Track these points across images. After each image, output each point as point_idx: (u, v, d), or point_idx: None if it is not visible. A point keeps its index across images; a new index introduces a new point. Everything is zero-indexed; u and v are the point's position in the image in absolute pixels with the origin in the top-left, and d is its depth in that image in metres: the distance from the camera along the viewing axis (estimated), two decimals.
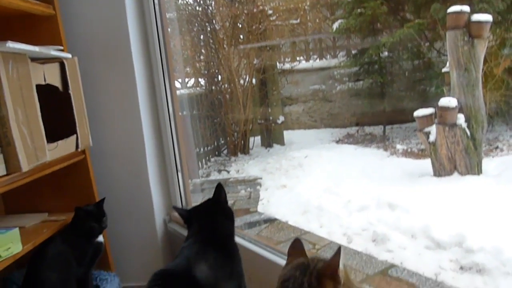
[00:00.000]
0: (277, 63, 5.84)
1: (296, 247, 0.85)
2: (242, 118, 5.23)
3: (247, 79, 5.35)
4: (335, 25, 5.35)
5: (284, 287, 0.76)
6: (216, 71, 5.36)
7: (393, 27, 5.58)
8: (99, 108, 1.98)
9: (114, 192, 2.05)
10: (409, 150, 4.83)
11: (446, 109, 3.47)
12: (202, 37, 5.51)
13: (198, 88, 5.42)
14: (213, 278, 0.98)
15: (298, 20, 5.26)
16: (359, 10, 5.07)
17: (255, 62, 5.25)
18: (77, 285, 1.77)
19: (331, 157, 4.54)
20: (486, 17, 3.45)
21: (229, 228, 1.13)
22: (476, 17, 3.47)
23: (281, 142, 5.53)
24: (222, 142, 5.66)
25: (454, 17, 3.53)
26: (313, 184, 3.73)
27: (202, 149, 5.15)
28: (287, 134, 5.81)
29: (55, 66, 1.69)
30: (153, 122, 2.05)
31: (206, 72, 5.44)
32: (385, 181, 3.72)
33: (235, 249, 1.12)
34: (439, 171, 3.66)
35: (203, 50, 5.60)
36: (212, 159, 5.39)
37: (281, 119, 5.50)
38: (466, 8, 3.49)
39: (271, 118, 5.50)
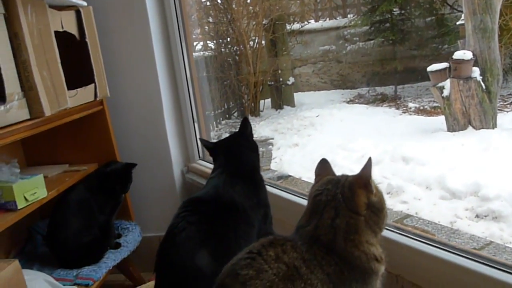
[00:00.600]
0: (286, 25, 5.74)
1: (323, 166, 0.87)
2: (252, 80, 5.19)
3: (256, 40, 5.27)
4: None
5: (317, 201, 0.77)
6: (225, 32, 5.29)
7: None
8: (115, 59, 1.97)
9: (132, 143, 2.08)
10: (421, 108, 4.78)
11: (461, 61, 3.41)
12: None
13: (206, 52, 5.37)
14: (241, 205, 1.00)
15: None
16: None
17: (264, 22, 5.15)
18: (100, 232, 1.83)
19: (343, 116, 4.52)
20: None
21: (254, 160, 1.14)
22: None
23: (291, 103, 5.50)
24: (232, 105, 5.65)
25: None
26: (325, 142, 3.73)
27: (212, 112, 5.15)
28: (297, 96, 5.77)
29: (71, 14, 1.68)
30: (169, 72, 2.05)
31: (215, 34, 5.37)
32: (398, 137, 3.71)
33: (261, 180, 1.14)
34: (453, 126, 3.64)
35: (211, 12, 5.50)
36: (223, 122, 5.39)
37: (291, 80, 5.46)
38: None
39: (281, 79, 5.46)
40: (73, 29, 1.68)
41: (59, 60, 1.53)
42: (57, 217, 1.76)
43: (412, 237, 1.13)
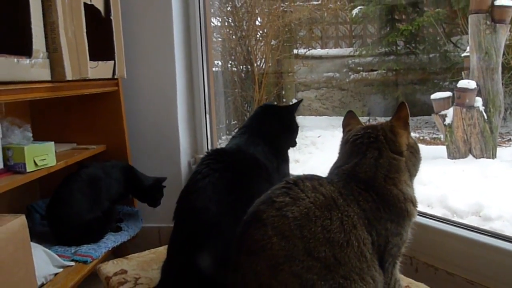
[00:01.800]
0: (294, 49, 5.85)
1: (352, 117, 0.88)
2: (256, 97, 5.24)
3: (263, 60, 5.36)
4: (355, 11, 5.35)
5: (358, 144, 0.77)
6: (233, 49, 5.37)
7: (412, 18, 5.59)
8: (134, 42, 1.99)
9: (142, 129, 2.07)
10: (421, 138, 4.84)
11: (464, 90, 3.48)
12: (219, 15, 5.52)
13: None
14: (263, 163, 0.99)
15: (320, 1, 5.27)
16: None
17: (272, 43, 5.25)
18: (103, 213, 1.79)
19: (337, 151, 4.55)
20: (510, 2, 3.47)
21: (281, 133, 1.12)
22: (500, 1, 3.48)
23: None
24: (234, 122, 5.67)
25: (478, 1, 3.54)
26: (326, 159, 3.71)
27: None
28: (299, 119, 5.79)
29: None
30: (186, 62, 2.07)
31: (222, 50, 5.45)
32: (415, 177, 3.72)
33: (286, 153, 1.14)
34: (454, 153, 3.67)
35: (221, 30, 5.60)
36: (223, 137, 5.39)
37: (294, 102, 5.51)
38: None
39: (284, 100, 5.52)
40: (100, 5, 1.70)
41: (84, 29, 1.55)
42: (64, 191, 1.72)
43: (426, 215, 1.12)
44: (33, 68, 1.30)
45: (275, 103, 1.28)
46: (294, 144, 1.18)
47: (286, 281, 0.63)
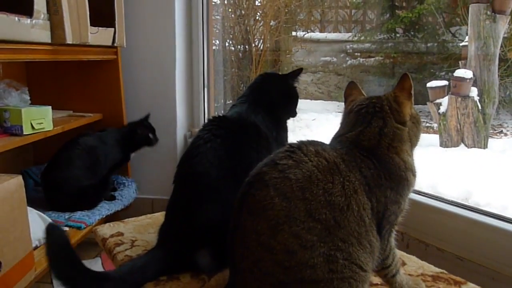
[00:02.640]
0: (292, 32, 5.81)
1: (354, 87, 0.89)
2: (252, 77, 5.22)
3: (261, 40, 5.32)
4: None
5: (363, 113, 0.78)
6: (232, 29, 5.31)
7: (412, 6, 5.56)
8: (135, 10, 1.97)
9: (139, 100, 2.06)
10: None
11: (461, 79, 3.50)
12: None
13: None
14: (263, 131, 1.00)
15: None
16: None
17: (271, 23, 5.21)
18: (98, 182, 1.80)
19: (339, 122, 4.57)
20: None
21: (282, 102, 1.12)
22: None
23: None
24: (229, 102, 5.65)
25: None
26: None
27: None
28: None
29: None
30: (186, 35, 2.05)
31: (221, 28, 5.39)
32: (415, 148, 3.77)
33: (284, 122, 1.14)
34: (446, 142, 3.71)
35: (220, 8, 5.54)
36: None
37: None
38: None
39: None
40: None
41: None
42: (62, 156, 1.72)
43: (419, 192, 1.14)
44: (34, 28, 1.29)
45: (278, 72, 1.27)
46: (294, 113, 1.18)
47: (285, 241, 0.64)
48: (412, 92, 0.79)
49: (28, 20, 1.26)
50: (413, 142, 0.80)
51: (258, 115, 1.04)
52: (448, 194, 2.60)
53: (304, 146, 0.73)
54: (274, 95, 1.12)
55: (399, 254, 0.95)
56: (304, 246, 0.63)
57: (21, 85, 1.59)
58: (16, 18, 1.20)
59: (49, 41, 1.39)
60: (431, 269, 0.91)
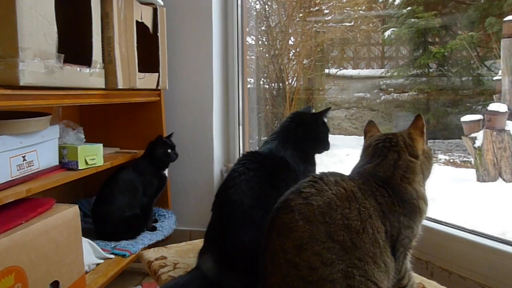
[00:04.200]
0: (325, 68, 5.96)
1: (372, 125, 0.99)
2: (286, 115, 5.35)
3: (294, 78, 5.49)
4: (387, 33, 5.44)
5: (380, 147, 0.89)
6: (266, 67, 5.53)
7: (444, 42, 5.61)
8: (177, 56, 2.16)
9: (179, 137, 2.21)
10: (451, 160, 4.82)
11: (495, 113, 3.49)
12: (254, 34, 5.71)
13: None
14: (292, 165, 1.11)
15: (352, 23, 5.40)
16: (412, 20, 5.16)
17: (304, 62, 5.39)
18: (140, 212, 1.94)
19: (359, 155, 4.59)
20: None
21: (311, 139, 1.22)
22: None
23: None
24: (264, 138, 5.79)
25: (511, 25, 3.57)
26: None
27: None
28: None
29: (150, 10, 1.89)
30: (223, 76, 2.22)
31: (255, 67, 5.62)
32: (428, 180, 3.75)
33: (313, 159, 1.24)
34: (483, 176, 3.66)
35: (255, 48, 5.79)
36: None
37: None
38: None
39: None
40: (148, 23, 1.89)
41: (135, 44, 1.72)
42: (105, 192, 1.89)
43: (442, 222, 1.20)
44: (91, 76, 1.47)
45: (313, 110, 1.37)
46: (322, 149, 1.27)
47: (308, 259, 0.73)
48: (425, 130, 0.89)
49: (87, 70, 1.45)
50: (425, 175, 0.88)
51: (287, 150, 1.15)
52: (483, 229, 2.59)
53: (325, 176, 0.83)
54: (302, 132, 1.23)
55: (420, 279, 1.01)
56: (324, 263, 0.73)
57: (77, 125, 1.79)
58: (78, 68, 1.39)
59: (103, 86, 1.57)
60: None
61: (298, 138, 1.21)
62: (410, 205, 0.82)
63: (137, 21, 1.77)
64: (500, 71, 3.78)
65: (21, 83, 1.13)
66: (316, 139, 1.25)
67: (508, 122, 3.54)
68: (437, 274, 1.19)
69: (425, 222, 1.24)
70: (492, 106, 3.54)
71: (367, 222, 0.76)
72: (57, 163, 1.58)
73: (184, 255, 1.18)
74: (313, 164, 1.25)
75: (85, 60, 1.45)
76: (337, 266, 0.72)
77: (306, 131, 1.24)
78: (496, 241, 1.10)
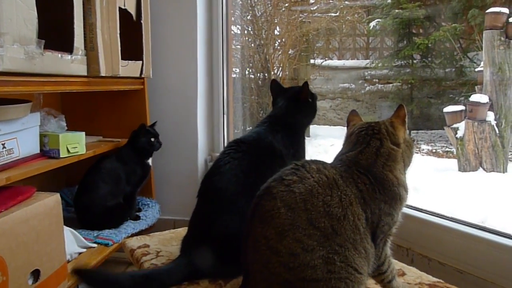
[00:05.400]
0: (310, 60, 5.97)
1: (355, 115, 1.00)
2: (271, 105, 5.35)
3: (280, 68, 5.49)
4: (372, 24, 5.46)
5: (363, 134, 0.90)
6: (252, 57, 5.51)
7: (428, 33, 5.66)
8: (161, 44, 2.14)
9: (163, 126, 2.19)
10: (434, 150, 4.90)
11: (477, 104, 3.55)
12: (239, 24, 5.67)
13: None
14: (279, 151, 1.11)
15: (338, 13, 5.40)
16: (396, 11, 5.19)
17: (290, 52, 5.39)
18: (124, 201, 1.93)
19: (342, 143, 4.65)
20: None
21: (301, 119, 1.24)
22: None
23: (307, 133, 5.64)
24: (249, 128, 5.79)
25: (493, 17, 3.62)
26: None
27: None
28: (312, 128, 5.90)
29: None
30: (207, 65, 2.21)
31: (241, 57, 5.59)
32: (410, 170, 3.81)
33: (302, 137, 1.25)
34: (464, 166, 3.73)
35: (240, 38, 5.76)
36: None
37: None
38: (505, 10, 3.59)
39: None
40: (132, 10, 1.86)
41: (118, 31, 1.69)
42: (88, 181, 1.87)
43: (422, 210, 1.22)
44: (73, 63, 1.45)
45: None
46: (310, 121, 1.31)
47: (290, 245, 0.74)
48: (406, 119, 0.90)
49: (69, 56, 1.42)
50: (406, 163, 0.90)
51: (276, 134, 1.15)
52: (464, 217, 2.65)
53: (308, 164, 0.84)
54: (292, 113, 1.23)
55: (400, 265, 1.03)
56: (305, 250, 0.74)
57: (58, 113, 1.76)
58: (59, 55, 1.36)
59: (85, 74, 1.55)
60: (429, 278, 0.98)
61: (290, 118, 1.22)
62: (391, 192, 0.83)
63: (120, 8, 1.74)
64: (482, 63, 3.84)
65: (0, 69, 1.10)
66: (308, 115, 1.26)
67: (489, 113, 3.60)
68: (417, 260, 1.21)
69: (405, 210, 1.26)
70: (474, 97, 3.60)
71: (348, 209, 0.77)
72: (38, 151, 1.55)
73: (167, 244, 1.18)
74: (302, 144, 1.25)
75: (66, 46, 1.42)
76: (318, 252, 0.73)
77: (300, 110, 1.25)
78: (475, 228, 1.13)
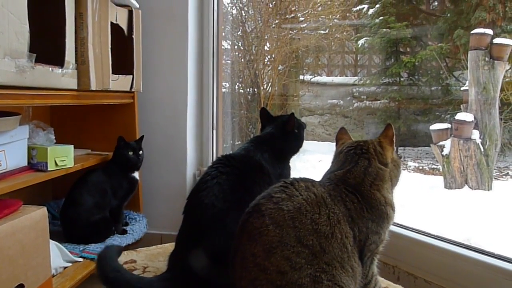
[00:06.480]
0: (299, 76, 6.04)
1: (344, 133, 1.02)
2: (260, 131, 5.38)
3: (269, 84, 5.54)
4: (360, 42, 5.56)
5: (351, 154, 0.91)
6: (242, 72, 5.55)
7: (415, 52, 5.78)
8: (151, 58, 2.15)
9: (152, 140, 2.20)
10: (420, 167, 4.96)
11: (462, 122, 3.62)
12: (230, 39, 5.73)
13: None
14: (266, 169, 1.12)
15: (327, 31, 5.49)
16: (384, 30, 5.29)
17: (279, 68, 5.44)
18: (110, 215, 1.91)
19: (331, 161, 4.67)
20: (508, 41, 3.64)
21: (288, 145, 1.26)
22: (498, 40, 3.66)
23: None
24: (238, 142, 5.80)
25: (477, 38, 3.72)
26: None
27: None
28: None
29: (125, 12, 1.88)
30: (197, 80, 2.22)
31: (231, 72, 5.63)
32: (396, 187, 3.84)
33: (288, 162, 1.26)
34: (450, 183, 3.78)
35: (230, 53, 5.80)
36: None
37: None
38: (489, 31, 3.68)
39: None
40: (124, 25, 1.87)
41: (109, 46, 1.70)
42: (74, 194, 1.85)
43: (408, 228, 1.24)
44: (64, 77, 1.45)
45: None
46: (296, 150, 1.31)
47: (278, 263, 0.74)
48: (394, 139, 0.92)
49: (60, 70, 1.42)
50: (393, 182, 0.92)
51: (264, 153, 1.17)
52: (450, 235, 2.67)
53: (296, 182, 0.85)
54: (279, 138, 1.25)
55: (386, 283, 1.04)
56: (293, 268, 0.74)
57: (47, 126, 1.75)
58: (50, 68, 1.37)
59: (76, 87, 1.55)
60: None
61: (276, 142, 1.24)
62: (378, 211, 0.84)
63: (112, 23, 1.75)
64: (467, 82, 3.92)
65: None
66: (294, 144, 1.28)
67: (474, 131, 3.67)
68: (403, 278, 1.22)
69: (392, 228, 1.28)
70: (459, 116, 3.67)
71: (336, 227, 0.78)
72: (25, 163, 1.54)
73: (154, 259, 1.17)
74: (287, 168, 1.27)
75: (57, 60, 1.42)
76: (305, 271, 0.74)
77: (287, 138, 1.27)
78: (460, 246, 1.14)
